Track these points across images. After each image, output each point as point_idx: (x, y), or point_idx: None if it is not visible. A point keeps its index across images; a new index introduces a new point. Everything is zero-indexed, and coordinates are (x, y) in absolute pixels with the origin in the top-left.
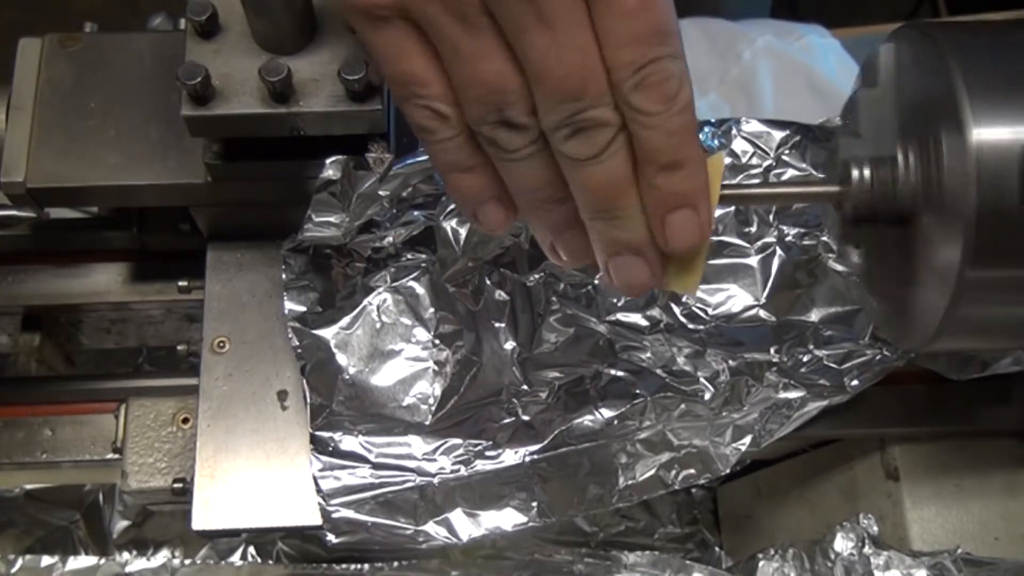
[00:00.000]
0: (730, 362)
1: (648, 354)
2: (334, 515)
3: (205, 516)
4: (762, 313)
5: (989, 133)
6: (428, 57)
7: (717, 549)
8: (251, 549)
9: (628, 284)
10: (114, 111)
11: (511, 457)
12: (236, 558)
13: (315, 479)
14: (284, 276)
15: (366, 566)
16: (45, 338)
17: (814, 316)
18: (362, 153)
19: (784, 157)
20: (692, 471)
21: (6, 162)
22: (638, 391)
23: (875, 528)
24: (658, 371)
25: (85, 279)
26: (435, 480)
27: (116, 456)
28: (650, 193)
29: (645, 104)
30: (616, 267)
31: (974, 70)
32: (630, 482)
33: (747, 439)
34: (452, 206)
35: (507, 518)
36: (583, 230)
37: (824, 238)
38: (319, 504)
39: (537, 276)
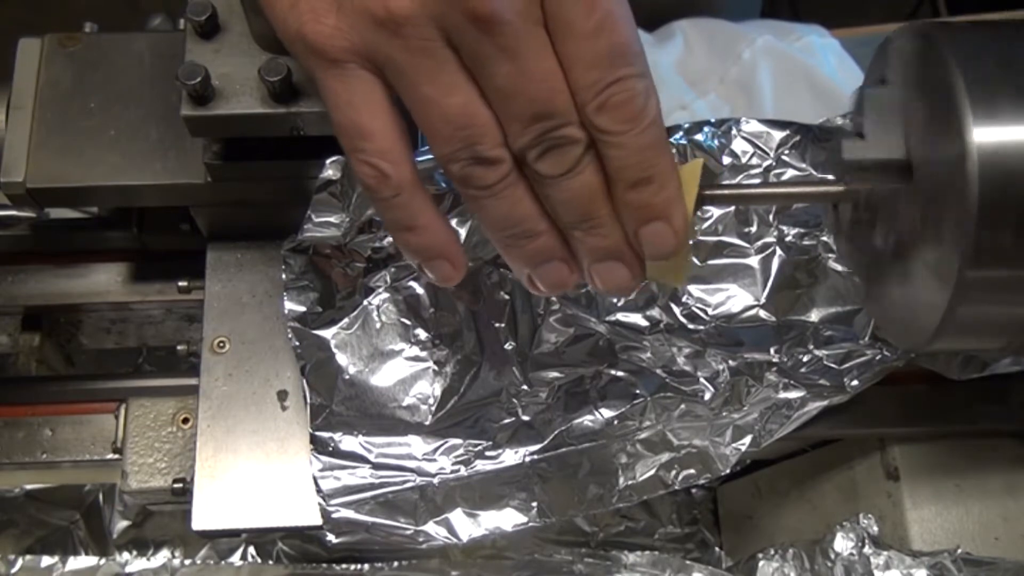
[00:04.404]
0: (730, 362)
1: (648, 354)
2: (334, 515)
3: (205, 516)
4: (762, 313)
5: (989, 133)
6: (377, 107)
7: (717, 549)
8: (251, 549)
9: (611, 287)
10: (114, 111)
11: (511, 457)
12: (236, 558)
13: (315, 479)
14: (284, 276)
15: (366, 566)
16: (45, 338)
17: (814, 316)
18: None
19: (784, 157)
20: (692, 471)
21: (6, 162)
22: (638, 391)
23: (875, 528)
24: (658, 371)
25: (85, 279)
26: (435, 480)
27: (116, 456)
28: (622, 207)
29: (609, 125)
30: (598, 272)
31: (974, 70)
32: (630, 482)
33: (747, 439)
34: (452, 206)
35: (507, 518)
36: (559, 262)
37: (824, 238)
38: (319, 504)
39: None
